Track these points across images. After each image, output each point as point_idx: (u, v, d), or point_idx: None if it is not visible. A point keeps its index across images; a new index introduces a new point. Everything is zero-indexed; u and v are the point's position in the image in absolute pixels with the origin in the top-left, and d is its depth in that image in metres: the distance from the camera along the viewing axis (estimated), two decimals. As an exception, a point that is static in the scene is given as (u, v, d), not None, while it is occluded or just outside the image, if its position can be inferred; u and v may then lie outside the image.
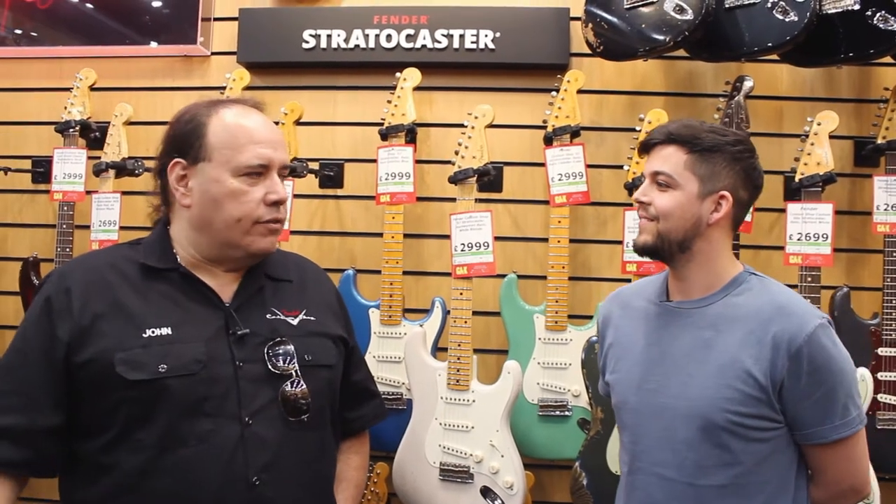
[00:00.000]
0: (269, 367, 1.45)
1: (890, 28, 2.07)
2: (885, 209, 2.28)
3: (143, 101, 2.61)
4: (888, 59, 2.23)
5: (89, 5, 2.73)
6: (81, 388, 1.39)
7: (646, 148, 1.56)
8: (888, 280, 2.26)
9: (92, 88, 2.61)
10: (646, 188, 1.54)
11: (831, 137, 2.23)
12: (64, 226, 2.52)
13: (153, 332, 1.40)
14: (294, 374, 1.47)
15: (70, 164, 2.52)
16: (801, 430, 1.45)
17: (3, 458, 1.37)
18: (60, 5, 2.73)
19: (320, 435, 1.54)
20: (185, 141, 1.46)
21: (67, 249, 2.51)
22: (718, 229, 1.51)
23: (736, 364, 1.44)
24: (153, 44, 2.68)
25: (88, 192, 2.54)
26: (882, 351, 2.24)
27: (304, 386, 1.47)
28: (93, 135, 2.62)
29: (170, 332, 1.41)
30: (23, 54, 2.78)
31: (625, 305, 1.67)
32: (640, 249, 1.55)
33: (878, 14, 2.09)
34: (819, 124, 2.19)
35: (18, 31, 2.78)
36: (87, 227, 2.58)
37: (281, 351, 1.47)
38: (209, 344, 1.42)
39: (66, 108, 2.58)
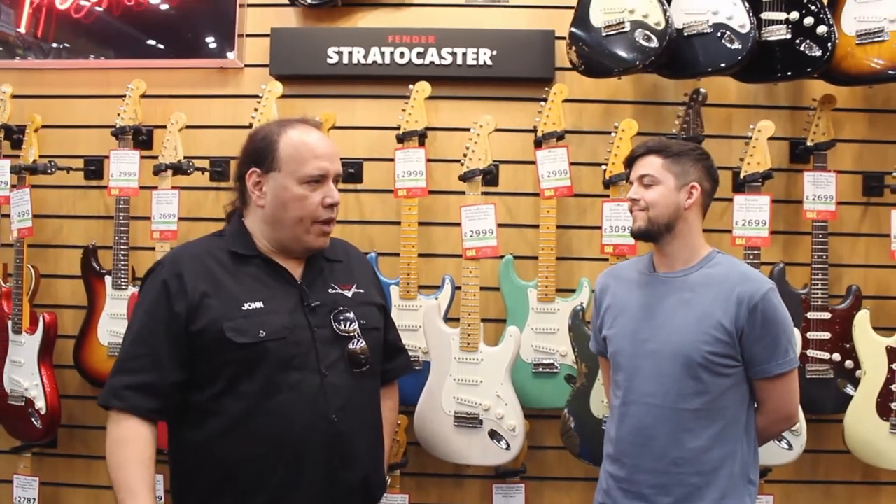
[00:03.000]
0: (336, 330, 1.81)
1: (814, 54, 2.52)
2: (813, 199, 2.71)
3: (183, 108, 2.92)
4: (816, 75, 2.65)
5: (130, 23, 3.04)
6: (197, 350, 1.72)
7: (631, 160, 2.03)
8: (815, 257, 2.70)
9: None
10: (635, 189, 1.99)
11: (771, 139, 2.62)
12: (121, 217, 2.87)
13: (250, 305, 1.75)
14: (356, 334, 1.83)
15: (125, 164, 2.87)
16: (754, 366, 1.90)
17: (145, 407, 1.70)
18: (103, 22, 3.02)
19: (374, 383, 1.93)
20: (260, 154, 1.82)
21: (124, 238, 2.86)
22: (692, 213, 1.97)
23: (710, 316, 1.89)
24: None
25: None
26: (811, 315, 2.68)
27: (364, 343, 1.83)
28: (141, 137, 2.98)
29: (262, 305, 1.75)
30: (75, 66, 3.08)
31: (619, 277, 2.11)
32: (636, 233, 1.99)
33: (804, 43, 2.53)
34: (759, 131, 2.61)
35: (65, 45, 3.08)
36: (139, 218, 2.93)
37: (342, 317, 1.83)
38: (291, 314, 1.78)
39: (118, 114, 2.90)
